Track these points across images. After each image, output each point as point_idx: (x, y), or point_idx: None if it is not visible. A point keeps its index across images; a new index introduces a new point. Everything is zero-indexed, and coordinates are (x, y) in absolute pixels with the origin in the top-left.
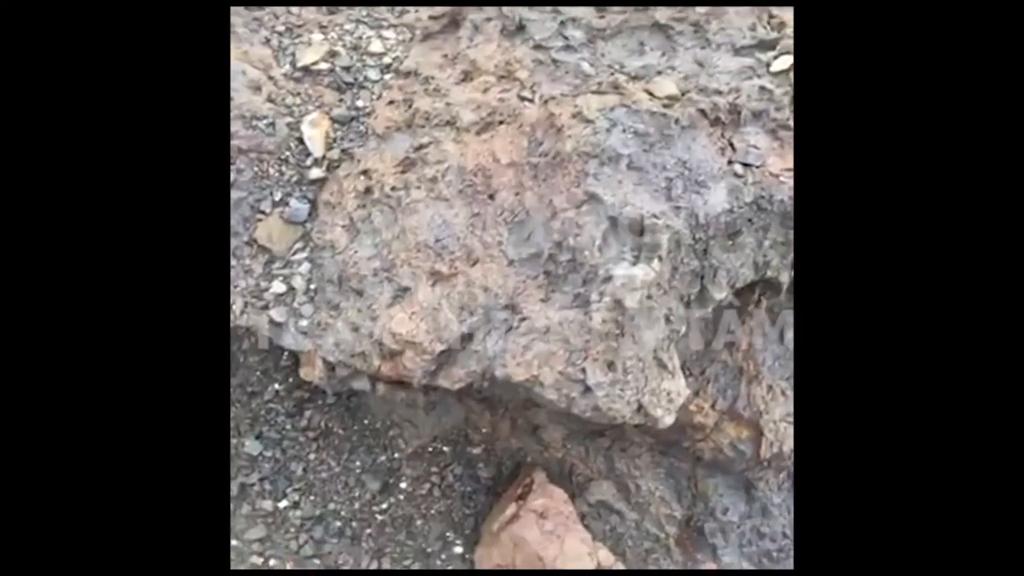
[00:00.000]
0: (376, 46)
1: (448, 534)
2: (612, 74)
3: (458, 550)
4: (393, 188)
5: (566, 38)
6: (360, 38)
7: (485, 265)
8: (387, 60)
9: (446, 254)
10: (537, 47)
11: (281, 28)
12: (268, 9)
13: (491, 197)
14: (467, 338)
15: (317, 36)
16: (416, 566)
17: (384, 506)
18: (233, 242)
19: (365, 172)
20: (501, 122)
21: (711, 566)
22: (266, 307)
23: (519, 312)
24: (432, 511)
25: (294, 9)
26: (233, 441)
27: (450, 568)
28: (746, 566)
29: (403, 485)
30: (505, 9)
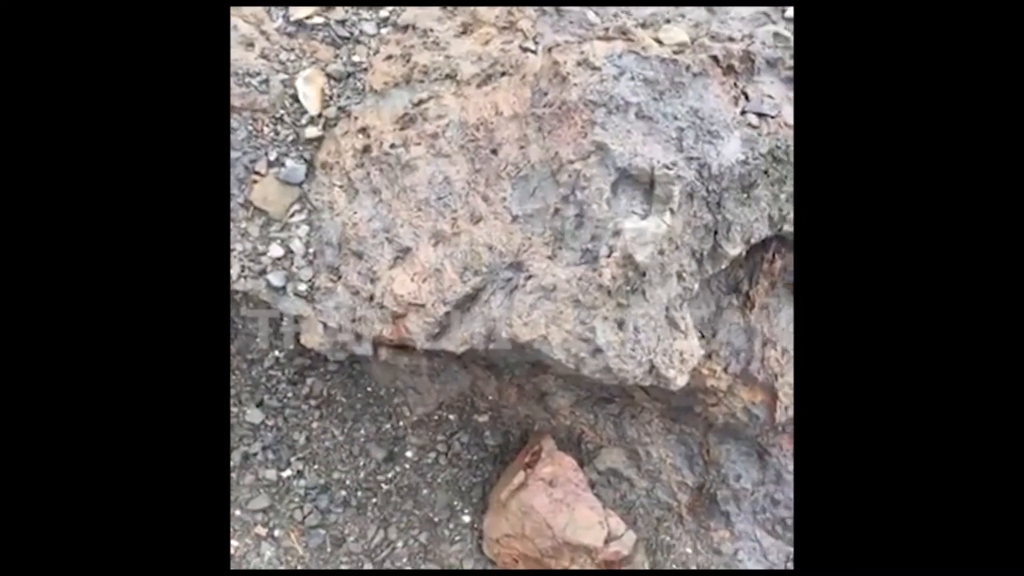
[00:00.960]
0: None
1: (455, 503)
2: (619, 21)
3: (466, 519)
4: (392, 145)
5: None
6: None
7: (489, 223)
8: (384, 13)
9: (448, 212)
10: None
11: None
12: None
13: (494, 152)
14: (471, 299)
15: None
16: (423, 536)
17: (390, 475)
18: None
19: (363, 130)
20: (503, 73)
21: (724, 534)
22: (264, 271)
23: (525, 270)
24: (439, 480)
25: None
26: (234, 410)
27: (457, 539)
28: (760, 534)
29: (408, 454)
30: None
